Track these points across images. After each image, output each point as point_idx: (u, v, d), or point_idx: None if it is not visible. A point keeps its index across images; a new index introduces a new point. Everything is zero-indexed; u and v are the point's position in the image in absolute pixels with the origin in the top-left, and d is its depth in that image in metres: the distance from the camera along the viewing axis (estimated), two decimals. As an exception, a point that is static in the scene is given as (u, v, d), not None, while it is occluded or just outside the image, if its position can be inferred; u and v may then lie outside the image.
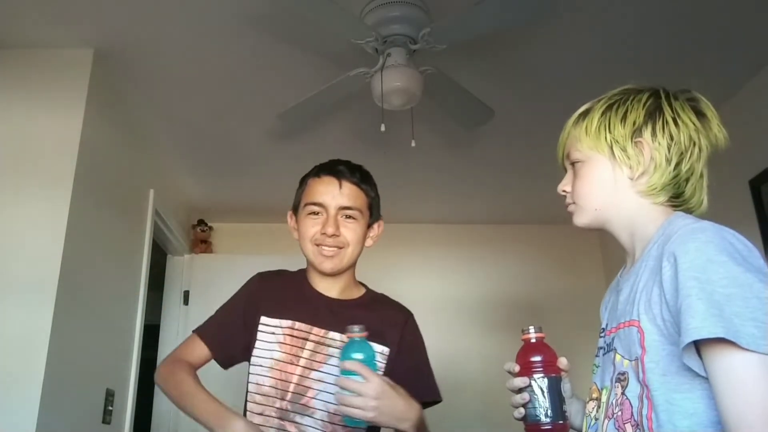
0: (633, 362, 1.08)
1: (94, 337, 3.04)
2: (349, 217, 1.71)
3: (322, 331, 1.64)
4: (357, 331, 1.38)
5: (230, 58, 3.14)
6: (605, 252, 5.26)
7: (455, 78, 2.95)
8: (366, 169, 1.80)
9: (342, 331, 1.49)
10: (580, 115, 1.29)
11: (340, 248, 1.69)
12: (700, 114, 1.22)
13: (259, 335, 1.65)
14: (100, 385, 3.12)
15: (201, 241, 5.04)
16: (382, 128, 2.89)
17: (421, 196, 4.94)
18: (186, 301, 4.73)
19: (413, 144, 3.04)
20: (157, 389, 4.19)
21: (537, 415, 1.20)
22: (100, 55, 3.04)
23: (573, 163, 1.28)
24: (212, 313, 1.80)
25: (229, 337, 1.70)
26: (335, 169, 1.74)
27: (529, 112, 3.62)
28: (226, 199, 4.91)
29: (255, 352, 1.64)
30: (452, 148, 4.10)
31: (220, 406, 1.53)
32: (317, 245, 1.68)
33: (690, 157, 1.19)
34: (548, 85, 3.39)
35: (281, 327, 1.65)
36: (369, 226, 1.78)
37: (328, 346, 1.63)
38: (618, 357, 1.13)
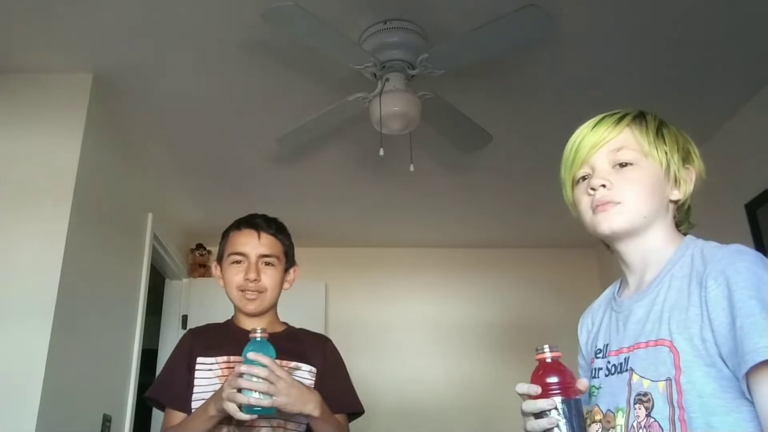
0: (662, 383, 1.04)
1: (91, 362, 3.02)
2: (268, 264, 1.89)
3: None
4: (259, 332, 1.55)
5: (229, 82, 3.16)
6: (603, 275, 5.26)
7: (453, 103, 2.97)
8: (280, 221, 1.99)
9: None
10: (636, 117, 1.23)
11: (261, 292, 1.87)
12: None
13: (198, 374, 1.79)
14: (97, 410, 3.10)
15: (199, 266, 5.04)
16: (381, 153, 2.91)
17: (419, 220, 4.94)
18: (184, 326, 4.70)
19: (412, 168, 3.06)
20: (155, 414, 4.17)
21: None
22: (98, 80, 3.06)
23: (621, 164, 1.19)
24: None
25: (187, 393, 1.80)
26: (253, 222, 1.93)
27: (527, 136, 3.64)
28: (224, 223, 4.85)
29: (196, 390, 1.78)
30: (450, 172, 4.11)
31: (197, 410, 1.71)
32: (241, 291, 1.87)
33: (693, 192, 1.23)
34: (545, 111, 3.41)
35: (217, 363, 1.80)
36: (286, 271, 1.96)
37: None
38: (636, 377, 1.09)
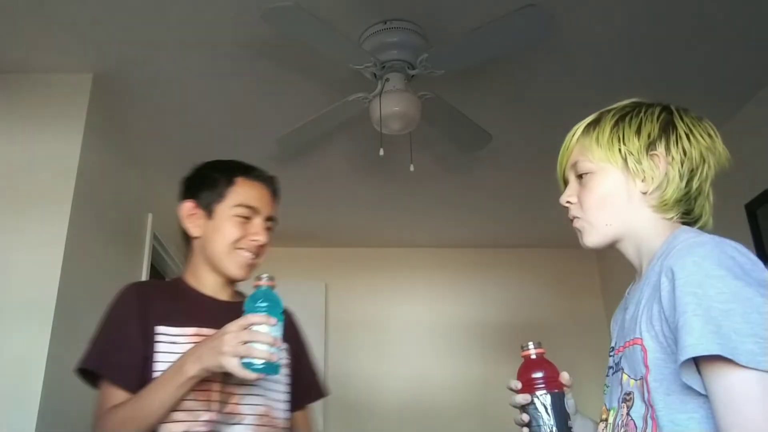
0: (638, 381, 1.05)
1: (91, 362, 3.02)
2: (269, 229, 1.65)
3: None
4: (265, 279, 1.36)
5: (229, 82, 3.16)
6: (603, 275, 5.27)
7: (453, 103, 2.98)
8: None
9: None
10: (590, 124, 1.25)
11: (258, 256, 1.63)
12: (707, 134, 1.19)
13: (160, 347, 1.47)
14: (96, 410, 3.10)
15: (199, 265, 5.02)
16: (381, 152, 2.91)
17: (419, 219, 4.95)
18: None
19: (412, 168, 3.06)
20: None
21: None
22: (99, 80, 3.06)
23: (580, 175, 1.23)
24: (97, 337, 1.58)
25: (137, 365, 1.47)
26: (266, 177, 1.70)
27: (526, 136, 3.64)
28: (224, 223, 4.90)
29: (157, 366, 1.45)
30: (450, 172, 4.12)
31: (162, 376, 1.40)
32: (238, 249, 1.58)
33: (700, 175, 1.16)
34: (545, 110, 3.41)
35: (185, 335, 1.49)
36: None
37: None
38: (625, 377, 1.10)
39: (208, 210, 1.62)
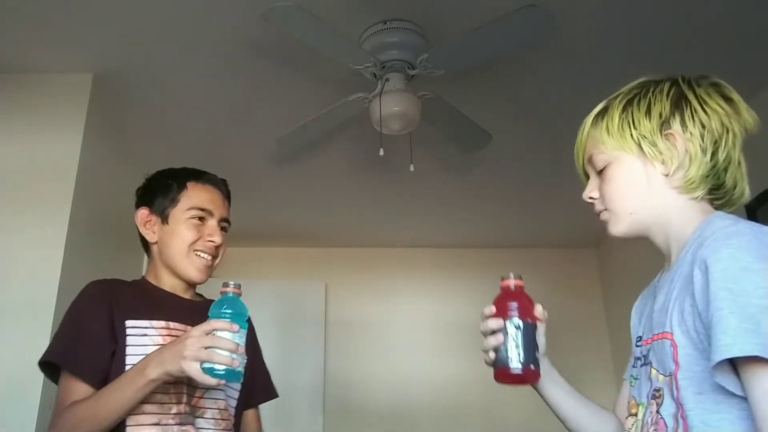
0: (667, 378, 1.01)
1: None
2: (223, 229, 1.69)
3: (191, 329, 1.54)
4: (232, 286, 1.36)
5: (229, 82, 3.16)
6: (603, 275, 5.27)
7: (453, 103, 2.97)
8: None
9: None
10: (598, 114, 1.21)
11: (215, 258, 1.66)
12: (726, 98, 1.13)
13: (131, 340, 1.48)
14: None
15: (199, 266, 5.03)
16: (381, 153, 2.91)
17: (419, 220, 4.95)
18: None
19: (412, 168, 3.06)
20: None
21: (509, 359, 1.16)
22: (99, 80, 3.06)
23: (599, 170, 1.18)
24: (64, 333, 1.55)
25: (102, 360, 1.47)
26: (215, 180, 1.73)
27: (526, 136, 3.64)
28: (224, 223, 4.91)
29: (129, 359, 1.46)
30: (450, 172, 4.11)
31: (123, 376, 1.39)
32: (194, 251, 1.62)
33: (726, 145, 1.11)
34: (545, 111, 3.41)
35: (154, 327, 1.51)
36: None
37: None
38: (653, 371, 1.06)
39: (163, 216, 1.67)
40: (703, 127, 1.10)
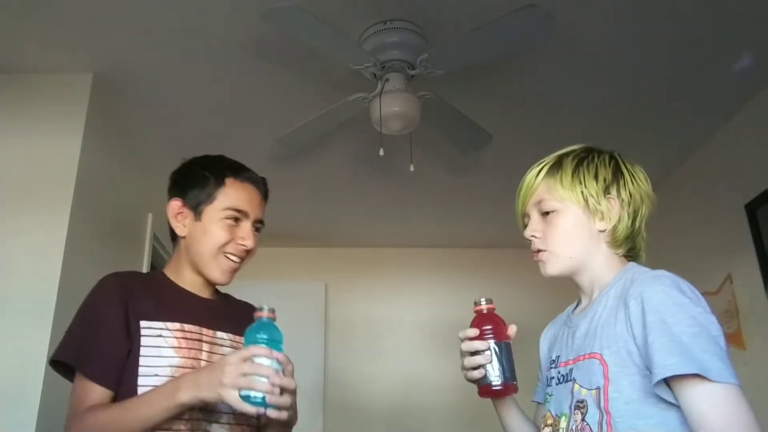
0: (593, 391, 1.18)
1: (91, 362, 3.02)
2: (257, 230, 1.62)
3: (210, 332, 1.52)
4: (266, 311, 1.32)
5: (229, 82, 3.16)
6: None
7: (453, 103, 2.97)
8: None
9: (227, 330, 1.52)
10: (552, 166, 1.37)
11: (243, 259, 1.60)
12: (647, 179, 1.36)
13: (144, 340, 1.43)
14: (96, 410, 3.09)
15: (199, 266, 5.03)
16: (381, 153, 2.91)
17: (419, 220, 4.95)
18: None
19: (412, 168, 3.06)
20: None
21: (492, 377, 1.30)
22: (99, 80, 3.06)
23: (545, 213, 1.36)
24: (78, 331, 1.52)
25: (118, 361, 1.42)
26: (255, 179, 1.67)
27: (527, 136, 3.64)
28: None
29: (143, 360, 1.41)
30: (450, 172, 4.12)
31: (152, 393, 1.35)
32: (224, 253, 1.55)
33: (640, 215, 1.33)
34: (545, 110, 3.41)
35: (169, 330, 1.45)
36: None
37: (221, 346, 1.52)
38: (576, 386, 1.22)
39: (197, 211, 1.58)
40: (630, 196, 1.32)
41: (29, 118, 2.96)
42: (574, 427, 1.21)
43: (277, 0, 2.35)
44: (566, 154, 1.38)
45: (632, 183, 1.33)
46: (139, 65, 3.01)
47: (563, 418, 1.25)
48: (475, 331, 1.33)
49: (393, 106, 2.75)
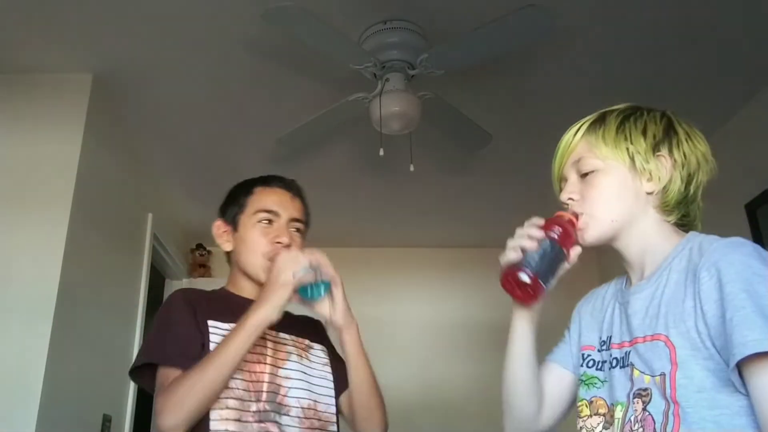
0: (657, 377, 1.04)
1: (91, 362, 3.02)
2: (297, 230, 1.69)
3: (273, 333, 1.59)
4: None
5: (229, 82, 3.16)
6: (603, 275, 5.25)
7: (453, 103, 2.97)
8: None
9: (288, 332, 1.62)
10: (594, 122, 1.24)
11: None
12: (704, 140, 1.21)
13: (212, 337, 1.50)
14: (97, 410, 3.10)
15: (199, 266, 5.04)
16: (381, 153, 2.91)
17: (419, 219, 4.94)
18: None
19: (412, 168, 3.06)
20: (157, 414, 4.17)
21: (527, 264, 1.15)
22: (99, 80, 3.06)
23: (584, 174, 1.21)
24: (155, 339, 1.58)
25: (195, 348, 1.49)
26: (284, 180, 1.73)
27: (526, 136, 3.64)
28: (224, 223, 4.91)
29: None
30: (450, 172, 4.11)
31: (228, 334, 1.45)
32: (267, 257, 1.60)
33: (696, 180, 1.18)
34: (545, 110, 3.41)
35: None
36: None
37: (284, 344, 1.61)
38: (636, 372, 1.08)
39: (234, 223, 1.68)
40: (685, 157, 1.17)
41: (29, 118, 2.96)
42: (632, 418, 1.07)
43: (277, 0, 2.35)
44: (611, 111, 1.24)
45: (687, 143, 1.18)
46: (139, 65, 3.01)
47: (619, 408, 1.11)
48: (541, 221, 1.19)
49: (393, 106, 2.75)
